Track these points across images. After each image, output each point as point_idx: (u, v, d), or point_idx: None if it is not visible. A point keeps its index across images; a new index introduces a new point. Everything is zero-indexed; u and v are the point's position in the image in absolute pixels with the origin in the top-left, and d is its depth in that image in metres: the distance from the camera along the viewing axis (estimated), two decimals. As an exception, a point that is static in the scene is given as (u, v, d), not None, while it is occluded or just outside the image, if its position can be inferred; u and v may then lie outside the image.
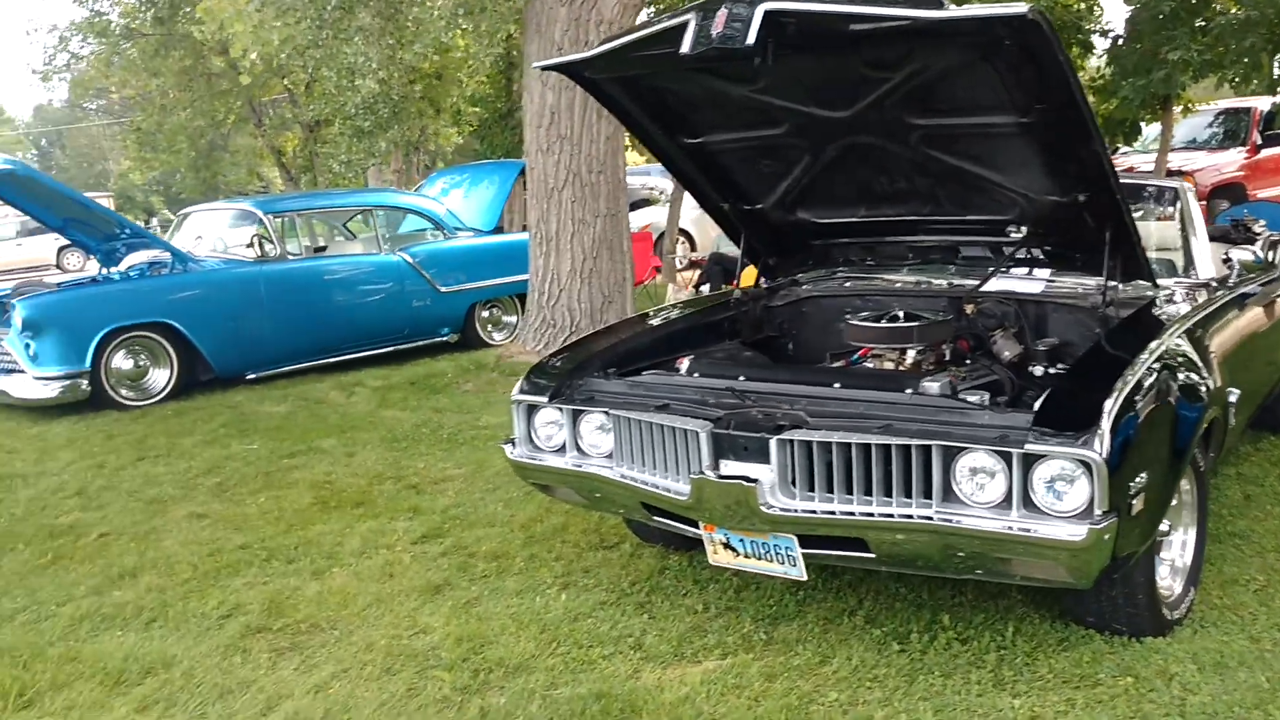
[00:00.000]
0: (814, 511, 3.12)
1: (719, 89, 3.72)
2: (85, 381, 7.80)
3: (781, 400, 3.39)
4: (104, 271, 9.00)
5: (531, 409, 3.86)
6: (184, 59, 19.84)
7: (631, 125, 4.15)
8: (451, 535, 4.71)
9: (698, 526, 3.45)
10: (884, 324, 3.95)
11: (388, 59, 11.81)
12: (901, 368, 3.93)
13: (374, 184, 16.43)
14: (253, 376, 8.54)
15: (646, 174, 18.78)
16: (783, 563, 3.30)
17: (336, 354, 9.00)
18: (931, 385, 3.30)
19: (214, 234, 9.35)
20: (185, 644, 3.78)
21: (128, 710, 3.34)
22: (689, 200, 14.52)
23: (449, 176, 11.56)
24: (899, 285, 4.50)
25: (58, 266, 27.83)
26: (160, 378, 8.21)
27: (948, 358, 4.01)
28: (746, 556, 3.37)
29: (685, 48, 3.18)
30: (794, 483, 3.16)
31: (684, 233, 15.42)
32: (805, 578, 3.31)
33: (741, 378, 3.61)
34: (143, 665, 3.61)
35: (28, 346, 7.73)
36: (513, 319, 10.03)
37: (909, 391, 3.29)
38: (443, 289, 9.51)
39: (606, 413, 3.64)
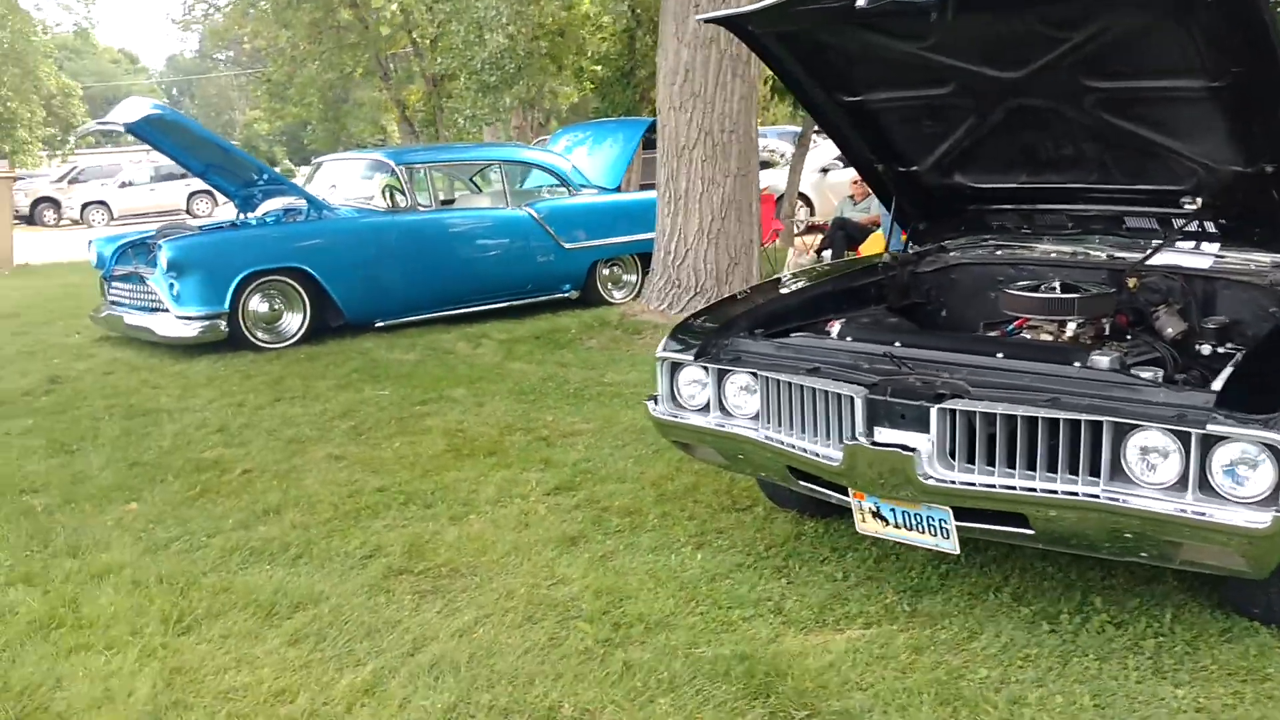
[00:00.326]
0: (973, 484, 3.04)
1: (885, 46, 3.61)
2: (224, 322, 8.06)
3: (940, 368, 3.30)
4: (242, 216, 9.27)
5: (676, 367, 3.83)
6: (314, 11, 20.29)
7: (789, 81, 4.06)
8: (584, 489, 4.74)
9: (846, 493, 3.39)
10: (1044, 294, 3.81)
11: (516, 14, 11.83)
12: (1060, 340, 3.80)
13: (489, 140, 16.54)
14: (381, 325, 8.71)
15: (764, 136, 18.48)
16: (934, 534, 3.23)
17: (462, 305, 9.11)
18: (1101, 359, 3.17)
19: (347, 183, 9.53)
20: (331, 581, 3.88)
21: (280, 642, 3.43)
22: (809, 163, 14.31)
23: (573, 133, 11.56)
24: (1053, 255, 4.32)
25: (187, 212, 28.84)
26: (293, 322, 8.43)
27: (1107, 332, 3.87)
28: (896, 526, 3.30)
29: (862, 0, 3.08)
30: (952, 454, 3.08)
31: (803, 196, 15.20)
32: (957, 551, 3.24)
33: (896, 344, 3.52)
34: (292, 600, 3.71)
35: (171, 286, 8.01)
36: (633, 278, 10.02)
37: (1077, 365, 3.17)
38: (566, 245, 9.52)
39: (754, 374, 3.59)
